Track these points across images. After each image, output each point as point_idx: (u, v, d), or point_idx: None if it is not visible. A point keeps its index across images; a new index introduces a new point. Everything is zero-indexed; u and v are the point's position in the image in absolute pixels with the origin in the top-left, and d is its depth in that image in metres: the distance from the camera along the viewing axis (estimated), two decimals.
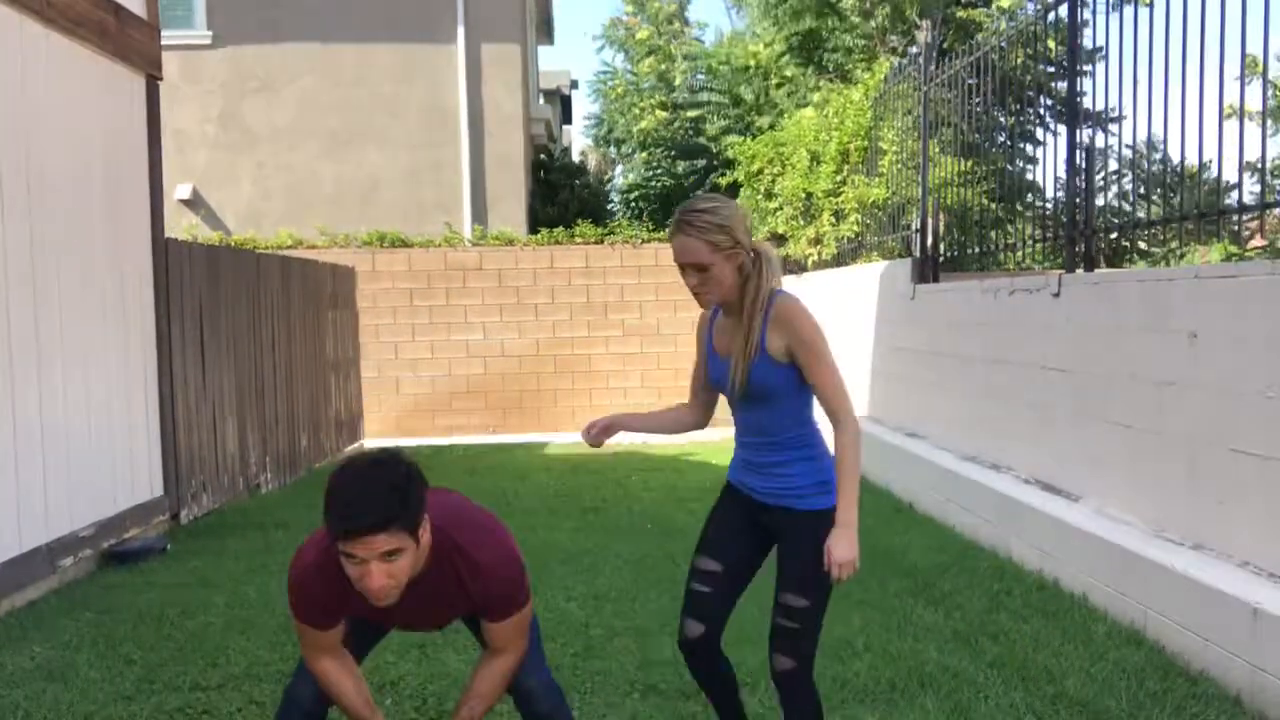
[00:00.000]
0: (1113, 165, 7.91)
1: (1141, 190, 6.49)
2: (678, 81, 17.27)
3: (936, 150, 7.80)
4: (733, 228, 2.53)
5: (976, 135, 7.55)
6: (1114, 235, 6.13)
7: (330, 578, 2.26)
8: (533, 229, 13.30)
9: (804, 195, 10.41)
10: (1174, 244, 5.87)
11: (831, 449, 2.65)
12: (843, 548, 2.52)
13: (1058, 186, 6.04)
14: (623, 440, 11.51)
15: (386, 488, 2.13)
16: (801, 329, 2.53)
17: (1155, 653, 3.79)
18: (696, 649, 2.76)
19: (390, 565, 2.15)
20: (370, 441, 10.78)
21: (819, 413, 2.67)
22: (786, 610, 2.59)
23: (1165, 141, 4.74)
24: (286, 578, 2.43)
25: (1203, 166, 4.66)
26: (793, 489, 2.69)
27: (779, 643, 2.60)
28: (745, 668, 3.76)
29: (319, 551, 2.31)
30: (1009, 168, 8.78)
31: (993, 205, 7.81)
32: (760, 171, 11.51)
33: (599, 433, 2.78)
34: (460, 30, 13.01)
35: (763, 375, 2.57)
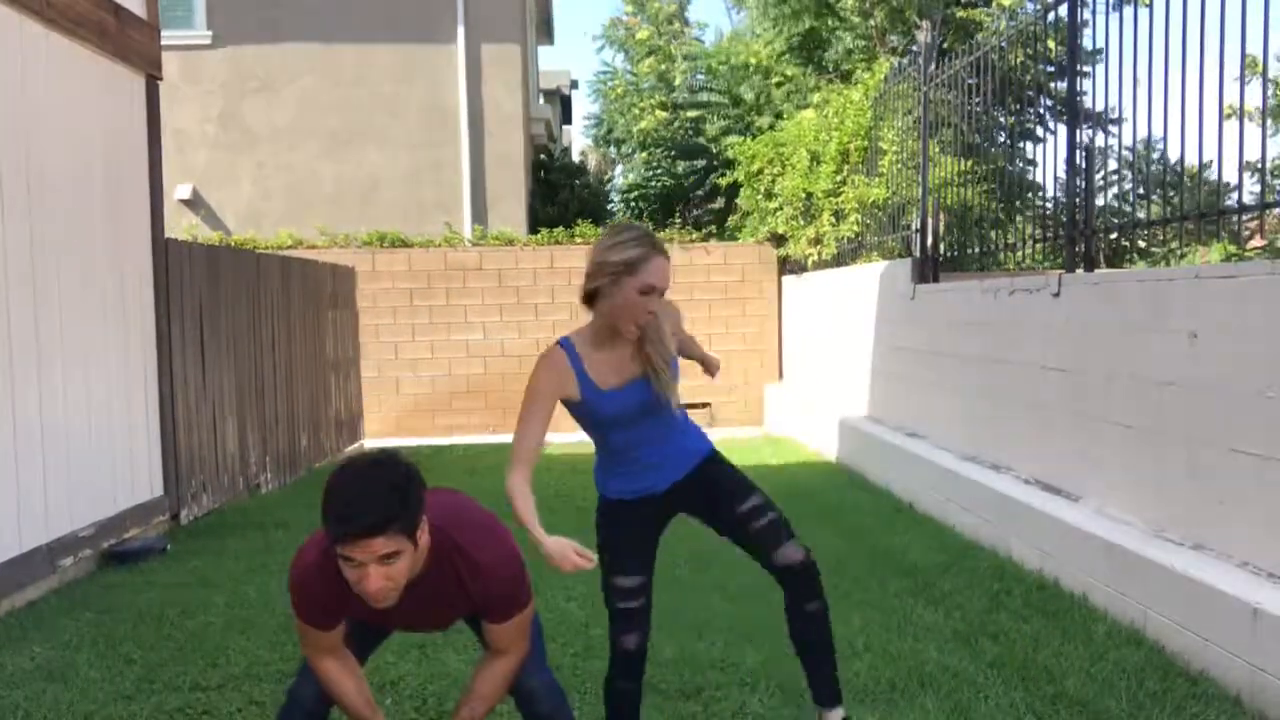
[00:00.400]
0: (1113, 165, 7.91)
1: (1141, 190, 6.49)
2: (678, 82, 17.26)
3: (936, 150, 7.80)
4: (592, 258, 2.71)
5: (976, 135, 7.55)
6: (1114, 235, 6.13)
7: (330, 578, 2.25)
8: (533, 229, 13.30)
9: (804, 195, 10.41)
10: (1174, 244, 5.87)
11: None
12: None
13: (1058, 186, 6.05)
14: None
15: (384, 490, 2.12)
16: (676, 308, 2.81)
17: (1155, 653, 3.78)
18: (634, 660, 2.86)
19: (388, 568, 2.14)
20: (370, 441, 10.78)
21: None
22: (761, 507, 2.75)
23: (1165, 141, 4.75)
24: (287, 577, 2.43)
25: (1203, 166, 4.66)
26: (695, 445, 2.88)
27: (783, 533, 2.73)
28: (745, 667, 3.77)
29: (319, 552, 2.31)
30: (1009, 168, 8.78)
31: (993, 205, 7.82)
32: (760, 171, 11.51)
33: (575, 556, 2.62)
34: (460, 30, 13.00)
35: (676, 373, 2.72)
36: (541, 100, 17.68)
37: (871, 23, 13.64)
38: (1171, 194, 6.02)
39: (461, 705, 2.48)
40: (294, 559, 2.43)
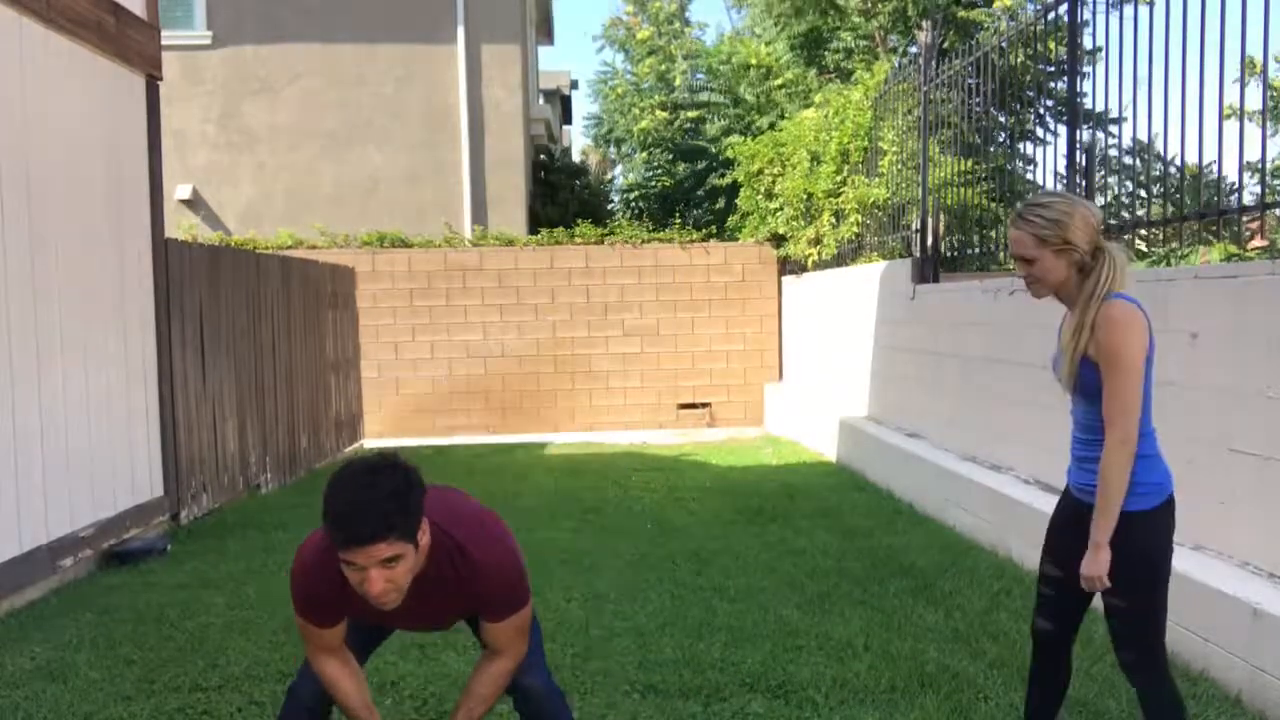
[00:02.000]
0: (1113, 165, 7.92)
1: (1141, 190, 6.49)
2: (678, 82, 17.27)
3: (936, 150, 7.80)
4: (1066, 225, 2.55)
5: (976, 136, 7.55)
6: (1113, 235, 6.12)
7: (331, 577, 2.26)
8: (533, 229, 13.30)
9: (804, 195, 10.41)
10: (1174, 244, 5.87)
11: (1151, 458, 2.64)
12: (1086, 563, 2.52)
13: (1058, 186, 6.04)
14: (622, 440, 11.50)
15: (385, 496, 2.12)
16: (1105, 336, 2.52)
17: None
18: (1044, 646, 2.77)
19: (390, 571, 2.15)
20: (370, 442, 10.78)
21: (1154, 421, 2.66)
22: (1107, 609, 2.62)
23: (1165, 142, 4.75)
24: (289, 574, 2.43)
25: (1203, 167, 4.66)
26: (1085, 481, 2.67)
27: (1114, 641, 2.65)
28: (745, 668, 3.77)
29: (319, 551, 2.31)
30: (1009, 168, 8.78)
31: (993, 205, 7.81)
32: (760, 172, 11.51)
33: None
34: (460, 30, 13.01)
35: (1083, 371, 2.63)
36: (541, 100, 17.68)
37: (873, 23, 13.64)
38: (1172, 194, 6.01)
39: (459, 705, 2.48)
40: (295, 556, 2.43)
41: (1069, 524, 2.69)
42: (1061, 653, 2.76)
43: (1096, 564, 2.49)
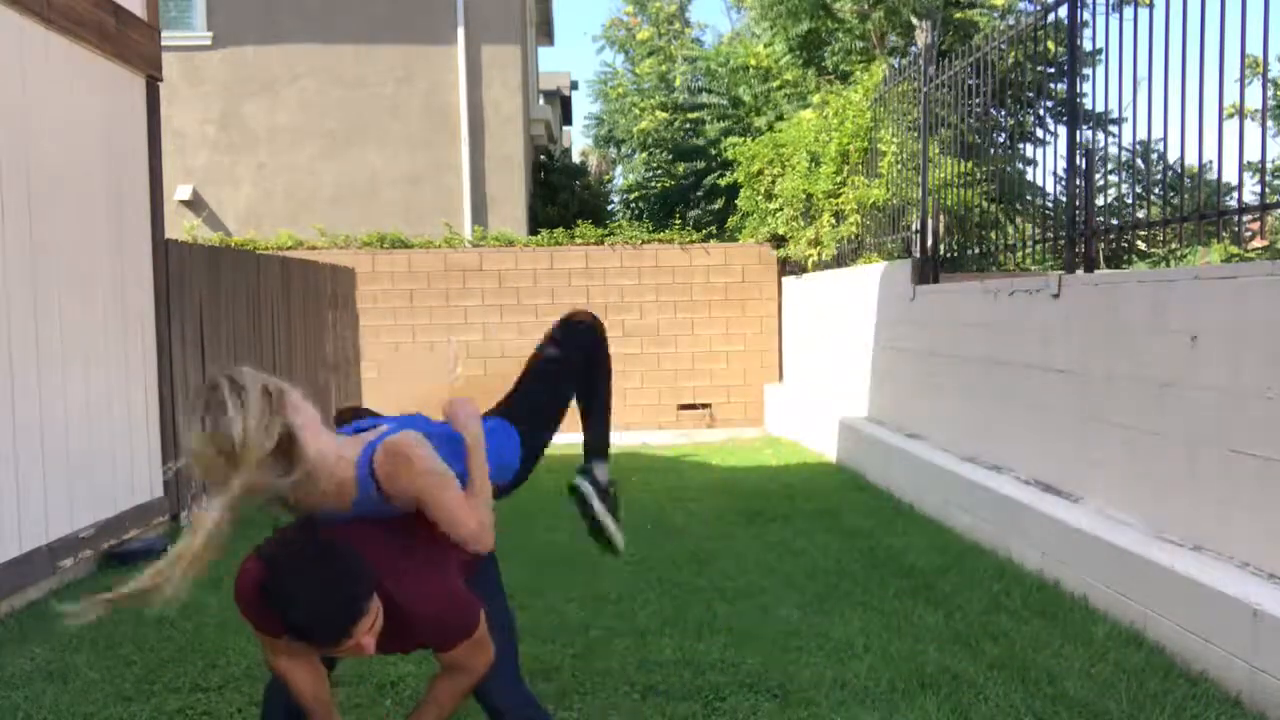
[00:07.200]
0: (1112, 166, 7.92)
1: (1141, 191, 6.50)
2: (678, 82, 17.27)
3: (936, 151, 7.80)
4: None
5: (976, 136, 7.55)
6: (1113, 236, 6.13)
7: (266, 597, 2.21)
8: (533, 230, 13.30)
9: (804, 196, 10.41)
10: (1174, 245, 5.88)
11: None
12: None
13: (1058, 187, 6.05)
14: (622, 440, 11.48)
15: (341, 602, 2.06)
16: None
17: (1155, 654, 3.78)
18: None
19: (373, 628, 2.13)
20: None
21: None
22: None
23: (1165, 142, 4.75)
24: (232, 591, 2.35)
25: (1203, 167, 4.67)
26: None
27: None
28: (745, 668, 3.77)
29: (262, 568, 2.23)
30: (1009, 169, 8.78)
31: (992, 206, 7.81)
32: (760, 172, 11.51)
33: None
34: (460, 30, 13.01)
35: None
36: (541, 101, 17.69)
37: (869, 25, 13.64)
38: (1172, 194, 6.02)
39: (414, 711, 2.41)
40: (239, 575, 2.36)
41: None
42: None
43: None
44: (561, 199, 15.09)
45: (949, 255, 7.48)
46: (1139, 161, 5.81)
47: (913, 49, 9.29)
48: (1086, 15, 5.86)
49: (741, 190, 12.00)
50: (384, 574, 2.19)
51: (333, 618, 2.07)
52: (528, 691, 2.70)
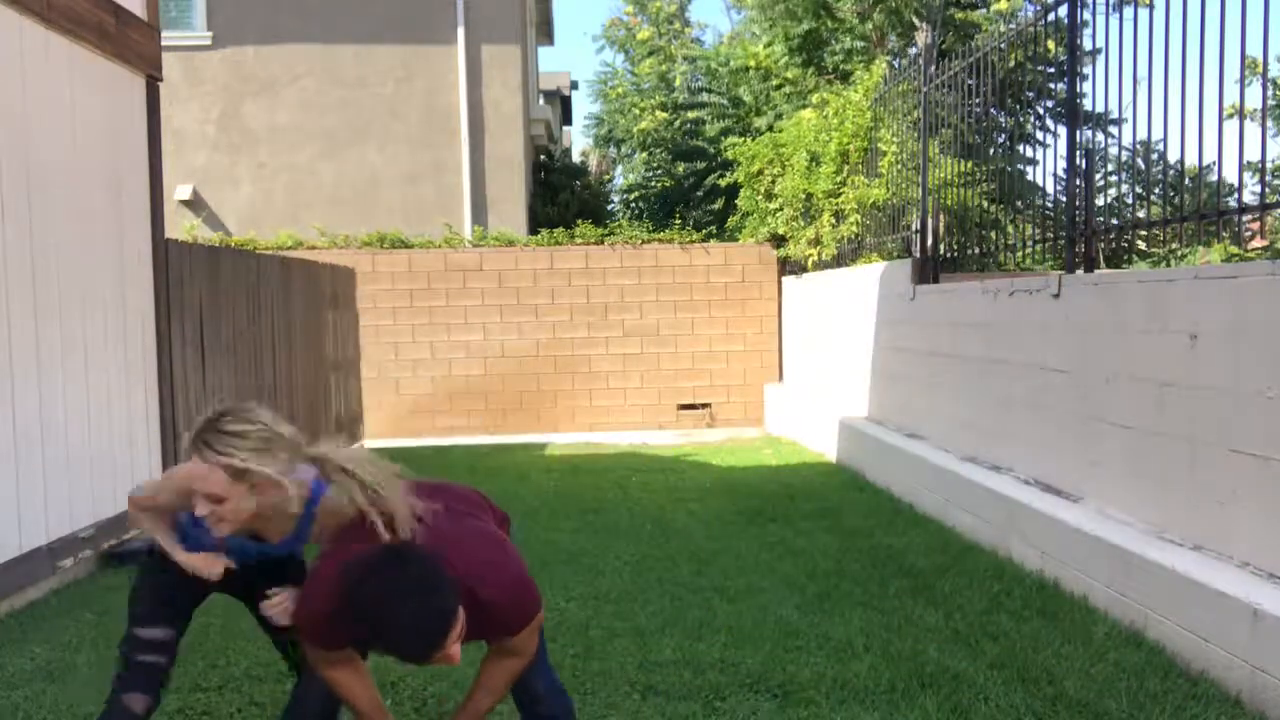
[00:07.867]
0: (1112, 166, 7.92)
1: (1141, 190, 6.50)
2: (678, 82, 17.27)
3: (936, 151, 7.80)
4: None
5: (976, 136, 7.56)
6: (1113, 236, 6.13)
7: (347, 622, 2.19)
8: (533, 230, 13.30)
9: (804, 196, 10.41)
10: (1174, 245, 5.88)
11: None
12: None
13: (1058, 187, 6.05)
14: (623, 440, 11.48)
15: (439, 611, 2.08)
16: None
17: (1155, 653, 3.78)
18: None
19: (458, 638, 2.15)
20: (370, 442, 10.78)
21: None
22: None
23: (1165, 142, 4.75)
24: (299, 609, 2.36)
25: (1203, 168, 4.67)
26: None
27: None
28: (745, 668, 3.77)
29: (334, 598, 2.17)
30: (1008, 169, 8.78)
31: (992, 206, 7.81)
32: (760, 172, 11.51)
33: None
34: (460, 30, 13.01)
35: None
36: (541, 101, 17.68)
37: (869, 25, 13.65)
38: (1172, 194, 6.02)
39: (469, 697, 2.46)
40: (301, 600, 2.33)
41: None
42: None
43: None
44: (561, 199, 15.09)
45: (949, 255, 7.48)
46: (1139, 161, 5.81)
47: (913, 49, 9.29)
48: (1086, 15, 5.87)
49: (741, 190, 12.00)
50: (466, 572, 2.22)
51: (428, 635, 2.08)
52: (555, 674, 2.78)
